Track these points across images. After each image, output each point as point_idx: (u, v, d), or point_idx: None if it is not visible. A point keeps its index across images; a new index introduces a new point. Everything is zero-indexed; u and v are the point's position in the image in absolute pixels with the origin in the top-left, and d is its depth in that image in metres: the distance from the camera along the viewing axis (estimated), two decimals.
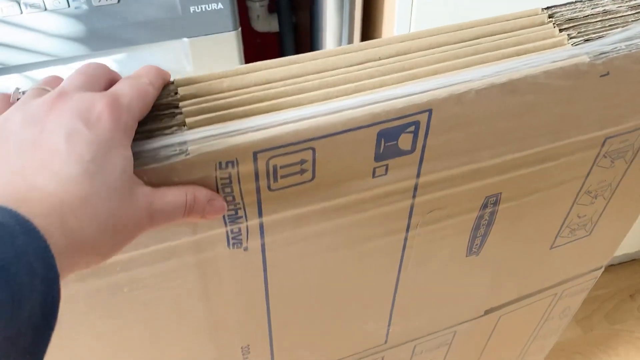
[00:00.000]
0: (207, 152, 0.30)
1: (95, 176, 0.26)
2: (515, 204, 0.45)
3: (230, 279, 0.39)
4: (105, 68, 0.31)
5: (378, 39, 0.37)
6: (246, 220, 0.35)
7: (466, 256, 0.48)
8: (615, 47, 0.37)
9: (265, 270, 0.39)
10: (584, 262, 0.59)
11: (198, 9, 0.45)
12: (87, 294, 0.36)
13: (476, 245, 0.47)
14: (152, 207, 0.28)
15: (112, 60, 0.51)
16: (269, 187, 0.34)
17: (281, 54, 1.02)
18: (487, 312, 0.58)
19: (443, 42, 0.37)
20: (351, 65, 0.35)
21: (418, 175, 0.38)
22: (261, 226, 0.36)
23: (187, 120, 0.31)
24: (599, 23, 0.39)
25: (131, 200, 0.27)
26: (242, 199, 0.33)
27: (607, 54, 0.37)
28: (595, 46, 0.37)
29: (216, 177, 0.31)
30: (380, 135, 0.34)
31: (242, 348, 0.46)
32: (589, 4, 0.41)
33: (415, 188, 0.39)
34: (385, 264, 0.45)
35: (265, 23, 0.95)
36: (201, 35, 0.49)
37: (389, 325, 0.52)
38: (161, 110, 0.32)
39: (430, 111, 0.34)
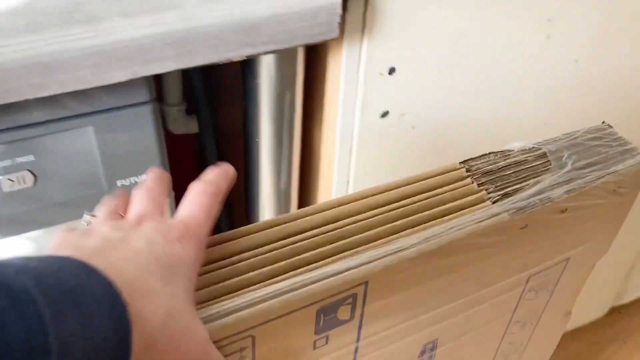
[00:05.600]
0: None
1: (167, 279, 0.28)
2: (450, 346, 0.45)
3: None
4: (164, 187, 0.36)
5: (308, 207, 0.37)
6: None
7: None
8: (530, 202, 0.39)
9: None
10: None
11: (126, 181, 0.44)
12: None
13: None
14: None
15: (26, 239, 0.48)
16: None
17: (202, 156, 1.00)
18: None
19: (372, 205, 0.38)
20: (285, 238, 0.35)
21: (358, 340, 0.38)
22: None
23: None
24: (513, 175, 0.42)
25: (194, 317, 0.29)
26: None
27: (524, 209, 0.39)
28: (513, 202, 0.39)
29: None
30: (320, 312, 0.34)
31: None
32: (501, 156, 0.44)
33: (356, 350, 0.38)
34: None
35: (183, 125, 0.92)
36: None
37: None
38: None
39: (366, 283, 0.34)
